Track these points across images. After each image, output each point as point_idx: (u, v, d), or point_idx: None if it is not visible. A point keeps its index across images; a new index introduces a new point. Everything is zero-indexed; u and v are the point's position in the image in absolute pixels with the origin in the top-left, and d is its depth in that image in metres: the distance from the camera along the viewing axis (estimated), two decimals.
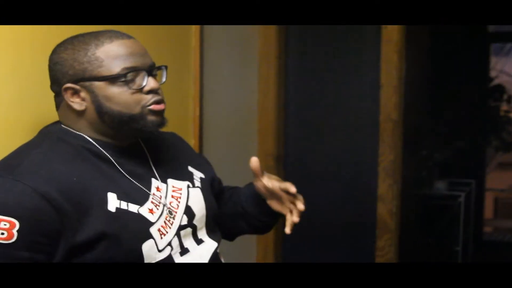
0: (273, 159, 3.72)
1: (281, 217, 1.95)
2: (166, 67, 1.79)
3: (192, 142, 3.15)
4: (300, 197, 1.86)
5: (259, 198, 1.92)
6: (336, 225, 3.69)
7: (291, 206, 1.86)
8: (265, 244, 3.70)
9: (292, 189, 1.83)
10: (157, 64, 1.75)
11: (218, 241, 1.91)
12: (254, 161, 1.83)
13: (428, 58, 5.28)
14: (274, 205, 1.90)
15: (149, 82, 1.69)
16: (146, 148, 1.81)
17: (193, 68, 3.20)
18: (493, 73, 7.20)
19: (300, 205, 1.84)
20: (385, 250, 3.61)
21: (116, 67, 1.64)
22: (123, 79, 1.65)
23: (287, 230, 1.86)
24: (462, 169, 5.88)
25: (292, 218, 1.85)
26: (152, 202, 1.70)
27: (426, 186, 5.14)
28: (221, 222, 2.02)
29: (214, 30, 3.43)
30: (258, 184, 1.88)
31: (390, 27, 3.56)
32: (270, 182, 1.86)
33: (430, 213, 5.10)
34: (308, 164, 3.76)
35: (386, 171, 3.60)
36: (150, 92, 1.69)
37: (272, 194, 1.87)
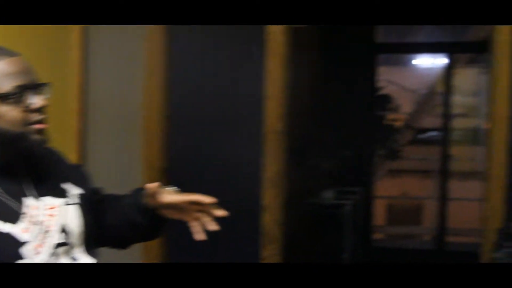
0: (158, 171, 3.70)
1: (170, 222, 1.96)
2: (48, 84, 1.76)
3: (73, 156, 3.11)
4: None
5: (147, 209, 1.92)
6: (222, 236, 3.66)
7: (199, 214, 1.87)
8: (149, 254, 3.68)
9: (207, 200, 1.85)
10: (39, 80, 1.73)
11: (95, 258, 1.89)
12: (151, 187, 1.85)
13: (315, 69, 5.36)
14: (173, 214, 1.90)
15: (37, 100, 1.67)
16: (23, 166, 1.77)
17: (75, 82, 3.17)
18: (380, 83, 7.38)
19: (221, 212, 1.86)
20: (270, 259, 3.64)
21: (6, 85, 1.62)
22: (13, 97, 1.62)
23: (199, 237, 1.86)
24: (350, 178, 5.98)
25: (211, 227, 1.85)
26: (26, 221, 1.67)
27: (313, 195, 5.21)
28: (110, 233, 2.00)
29: (97, 42, 3.40)
30: (153, 201, 1.88)
31: (275, 40, 3.60)
32: (171, 197, 1.87)
33: (317, 222, 5.17)
34: (193, 176, 3.76)
35: (271, 181, 3.63)
36: (37, 110, 1.67)
37: (171, 206, 1.88)
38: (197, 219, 1.88)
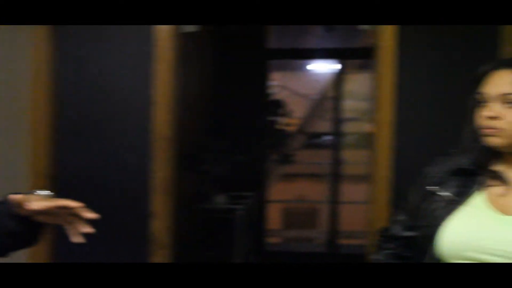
0: (45, 177, 3.63)
1: (47, 227, 1.92)
2: None
3: None
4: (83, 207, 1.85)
5: (20, 217, 1.87)
6: (111, 243, 3.64)
7: (71, 218, 1.83)
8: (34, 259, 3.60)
9: (73, 204, 1.81)
10: None
11: None
12: (14, 199, 1.81)
13: (206, 74, 5.37)
14: (46, 219, 1.86)
15: None
16: None
17: None
18: (272, 88, 7.45)
19: (91, 214, 1.83)
20: None
21: None
22: None
23: (76, 239, 1.83)
24: (243, 183, 5.98)
25: (85, 229, 1.81)
26: None
27: (205, 200, 5.21)
28: None
29: None
30: (21, 209, 1.83)
31: (163, 45, 3.58)
32: (38, 204, 1.82)
33: (209, 227, 5.17)
34: (82, 183, 3.69)
35: (160, 187, 3.61)
36: None
37: (42, 212, 1.84)
38: (70, 223, 1.85)
